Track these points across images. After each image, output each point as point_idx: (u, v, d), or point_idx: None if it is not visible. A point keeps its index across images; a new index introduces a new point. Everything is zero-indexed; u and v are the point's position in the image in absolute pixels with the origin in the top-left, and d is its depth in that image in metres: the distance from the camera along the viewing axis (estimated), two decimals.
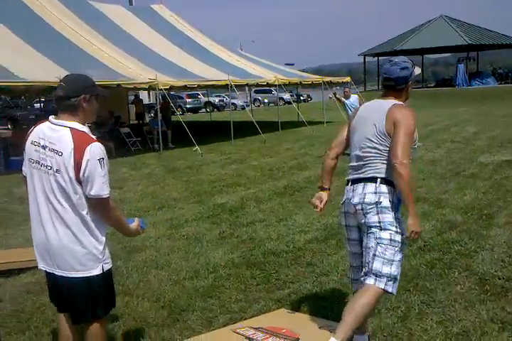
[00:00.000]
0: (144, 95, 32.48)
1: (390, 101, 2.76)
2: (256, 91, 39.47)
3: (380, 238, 2.67)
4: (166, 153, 13.09)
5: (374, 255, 2.68)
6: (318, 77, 20.98)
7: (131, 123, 22.07)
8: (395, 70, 2.75)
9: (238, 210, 6.64)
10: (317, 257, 4.70)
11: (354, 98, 11.08)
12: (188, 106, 35.02)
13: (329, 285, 4.04)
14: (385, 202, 2.68)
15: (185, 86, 15.02)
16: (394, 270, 2.69)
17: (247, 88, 34.93)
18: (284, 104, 35.21)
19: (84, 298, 2.47)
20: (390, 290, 2.72)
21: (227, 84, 15.14)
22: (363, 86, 42.38)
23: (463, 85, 35.72)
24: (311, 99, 45.33)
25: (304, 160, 10.79)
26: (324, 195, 3.00)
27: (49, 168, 2.34)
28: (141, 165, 11.32)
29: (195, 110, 35.43)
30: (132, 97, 27.37)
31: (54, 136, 2.34)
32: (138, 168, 10.79)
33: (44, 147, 2.36)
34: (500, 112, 20.45)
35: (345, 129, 2.99)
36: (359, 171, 2.78)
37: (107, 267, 2.49)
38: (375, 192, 2.69)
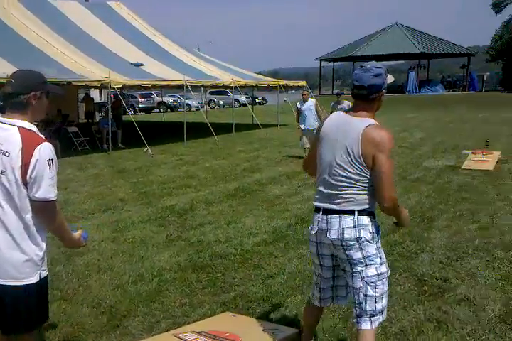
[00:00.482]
0: (95, 94, 31.70)
1: (364, 121, 2.45)
2: (211, 93, 39.32)
3: (367, 277, 2.50)
4: (115, 154, 12.78)
5: (365, 295, 2.51)
6: (274, 80, 21.10)
7: (80, 122, 21.46)
8: (368, 77, 2.45)
9: (187, 212, 6.56)
10: (264, 260, 4.70)
11: (311, 102, 11.17)
12: (140, 105, 34.39)
13: (275, 288, 4.04)
14: (366, 235, 2.48)
15: (139, 85, 14.75)
16: (385, 301, 2.59)
17: (202, 89, 34.80)
18: (240, 106, 35.24)
19: (18, 308, 2.33)
20: (382, 320, 2.62)
21: (182, 85, 14.98)
22: (318, 90, 43.00)
23: (413, 92, 36.90)
24: (267, 101, 45.60)
25: (256, 162, 10.80)
26: None
27: None
28: (88, 165, 10.99)
29: (148, 110, 34.87)
30: (83, 95, 26.60)
31: (1, 136, 2.21)
32: (84, 169, 10.47)
33: None
34: (448, 119, 21.25)
35: (313, 148, 2.72)
36: (332, 201, 2.52)
37: (43, 274, 2.37)
38: (355, 226, 2.47)
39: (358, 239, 2.47)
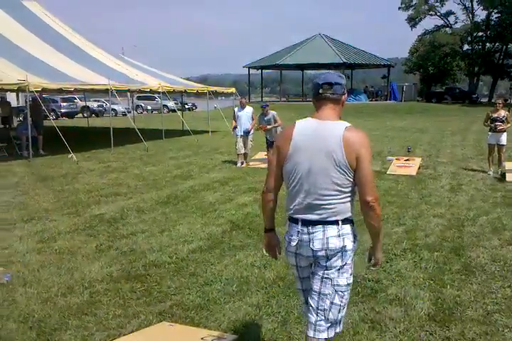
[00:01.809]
0: (12, 97, 30.00)
1: (338, 124, 2.42)
2: (138, 98, 38.52)
3: (338, 285, 2.47)
4: (37, 161, 12.13)
5: (331, 303, 2.47)
6: (203, 86, 21.02)
7: None
8: (333, 76, 2.48)
9: (118, 221, 6.34)
10: (201, 267, 4.64)
11: (249, 109, 11.28)
12: (62, 110, 32.93)
13: (213, 295, 3.99)
14: (349, 244, 2.45)
15: (61, 89, 14.07)
16: (345, 311, 2.57)
17: (128, 94, 33.98)
18: (168, 111, 34.79)
19: None
20: (339, 331, 2.58)
21: (107, 89, 14.52)
22: (247, 97, 43.43)
23: None
24: (196, 107, 45.39)
25: (188, 169, 10.68)
26: (273, 237, 2.72)
27: None
28: (7, 173, 10.36)
29: (71, 115, 33.42)
30: None
31: None
32: (3, 177, 9.85)
33: None
34: (372, 126, 22.19)
35: (274, 158, 2.55)
36: (313, 212, 2.44)
37: None
38: (339, 235, 2.43)
39: (342, 248, 2.43)
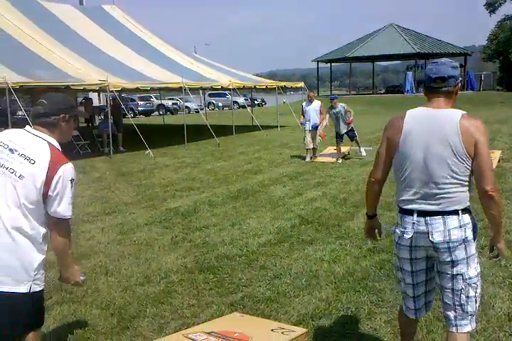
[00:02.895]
0: (94, 97, 31.69)
1: (454, 111, 2.38)
2: (210, 95, 39.39)
3: (469, 278, 2.41)
4: (117, 157, 12.80)
5: (467, 297, 2.43)
6: (272, 81, 21.14)
7: (80, 126, 21.46)
8: (446, 69, 2.39)
9: (191, 214, 6.57)
10: (270, 260, 4.71)
11: (317, 103, 11.19)
12: (140, 108, 34.43)
13: (282, 288, 4.05)
14: (470, 234, 2.39)
15: (138, 88, 14.74)
16: (480, 299, 2.54)
17: (201, 91, 34.84)
18: (239, 108, 35.29)
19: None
20: (476, 318, 2.57)
21: (180, 87, 15.01)
22: (316, 92, 43.09)
23: (411, 92, 36.99)
24: (266, 103, 45.68)
25: (257, 164, 10.82)
26: (376, 221, 2.77)
27: (12, 171, 2.26)
28: (90, 169, 11.02)
29: (147, 113, 34.90)
30: (81, 99, 26.62)
31: (28, 144, 2.31)
32: (87, 172, 10.49)
33: (12, 150, 2.30)
34: None
35: (383, 148, 2.52)
36: (431, 201, 2.38)
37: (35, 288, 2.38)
38: (460, 226, 2.36)
39: (464, 239, 2.37)
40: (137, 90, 16.34)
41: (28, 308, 2.31)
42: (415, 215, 2.42)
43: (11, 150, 2.30)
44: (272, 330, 3.23)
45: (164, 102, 35.06)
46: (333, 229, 5.63)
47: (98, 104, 31.06)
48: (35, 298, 2.35)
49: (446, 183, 2.34)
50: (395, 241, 2.56)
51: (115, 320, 3.56)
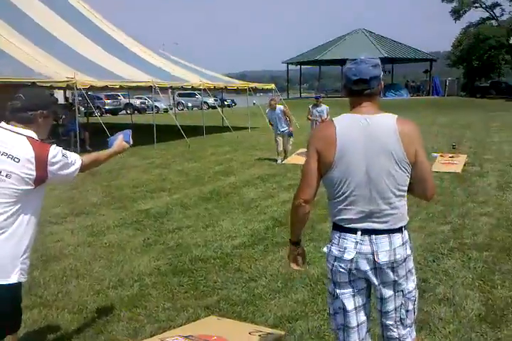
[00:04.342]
0: (59, 95, 30.97)
1: (386, 116, 2.19)
2: (179, 95, 39.04)
3: (409, 292, 2.25)
4: None
5: (407, 311, 2.27)
6: (243, 82, 21.15)
7: None
8: (367, 69, 2.15)
9: (163, 216, 6.49)
10: (245, 263, 4.70)
11: (278, 109, 11.15)
12: (107, 107, 33.82)
13: (258, 291, 4.04)
14: (409, 250, 2.24)
15: (106, 86, 14.49)
16: (417, 310, 2.38)
17: (170, 91, 34.49)
18: (208, 108, 35.12)
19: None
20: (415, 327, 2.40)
21: (150, 86, 14.82)
22: (286, 94, 43.35)
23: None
24: (235, 104, 45.62)
25: (229, 165, 10.79)
26: (301, 248, 2.45)
27: None
28: None
29: (114, 112, 34.29)
30: None
31: (7, 141, 2.25)
32: None
33: None
34: (416, 122, 21.71)
35: (313, 164, 2.19)
36: (377, 219, 2.16)
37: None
38: (403, 244, 2.20)
39: (406, 257, 2.20)
40: (106, 88, 16.07)
41: (10, 304, 2.27)
42: (359, 233, 2.16)
43: None
44: (250, 333, 3.22)
45: (132, 101, 34.54)
46: (306, 232, 5.65)
47: (64, 102, 30.39)
48: (16, 291, 2.31)
49: (395, 196, 2.15)
50: (330, 263, 2.25)
51: (88, 324, 3.48)
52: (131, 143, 2.73)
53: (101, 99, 33.33)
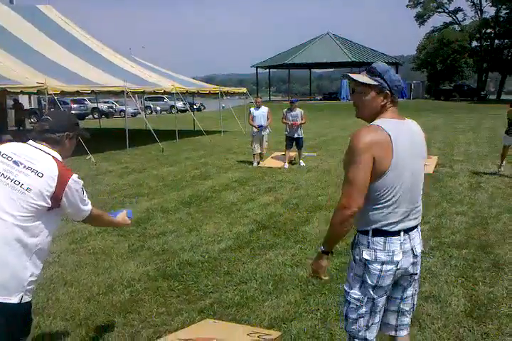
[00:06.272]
0: (24, 100, 30.24)
1: (413, 123, 2.36)
2: (147, 99, 38.70)
3: (418, 276, 2.44)
4: None
5: (413, 304, 2.46)
6: (215, 87, 21.13)
7: (10, 130, 20.41)
8: (401, 79, 2.34)
9: (145, 222, 6.45)
10: (233, 266, 4.74)
11: (264, 108, 11.40)
12: (73, 112, 33.13)
13: (250, 293, 4.09)
14: None
15: (78, 91, 14.27)
16: None
17: (137, 95, 34.16)
18: (177, 112, 34.92)
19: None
20: None
21: (122, 91, 14.68)
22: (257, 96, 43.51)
23: (346, 99, 38.30)
24: (205, 107, 45.53)
25: (205, 169, 10.78)
26: (329, 259, 2.36)
27: (17, 183, 2.20)
28: None
29: (81, 116, 33.63)
30: (10, 101, 25.28)
31: (34, 157, 2.27)
32: None
33: (17, 162, 2.23)
34: None
35: (367, 171, 2.10)
36: (411, 217, 2.25)
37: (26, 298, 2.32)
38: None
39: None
40: (77, 93, 15.81)
41: (18, 319, 2.24)
42: (402, 234, 2.23)
43: (15, 162, 2.24)
44: (248, 335, 3.26)
45: (99, 105, 34.03)
46: (291, 234, 5.75)
47: (29, 107, 29.71)
48: (25, 308, 2.29)
49: (420, 195, 2.33)
50: (377, 268, 2.21)
51: (83, 331, 3.45)
52: (130, 222, 2.85)
53: (67, 103, 32.67)
